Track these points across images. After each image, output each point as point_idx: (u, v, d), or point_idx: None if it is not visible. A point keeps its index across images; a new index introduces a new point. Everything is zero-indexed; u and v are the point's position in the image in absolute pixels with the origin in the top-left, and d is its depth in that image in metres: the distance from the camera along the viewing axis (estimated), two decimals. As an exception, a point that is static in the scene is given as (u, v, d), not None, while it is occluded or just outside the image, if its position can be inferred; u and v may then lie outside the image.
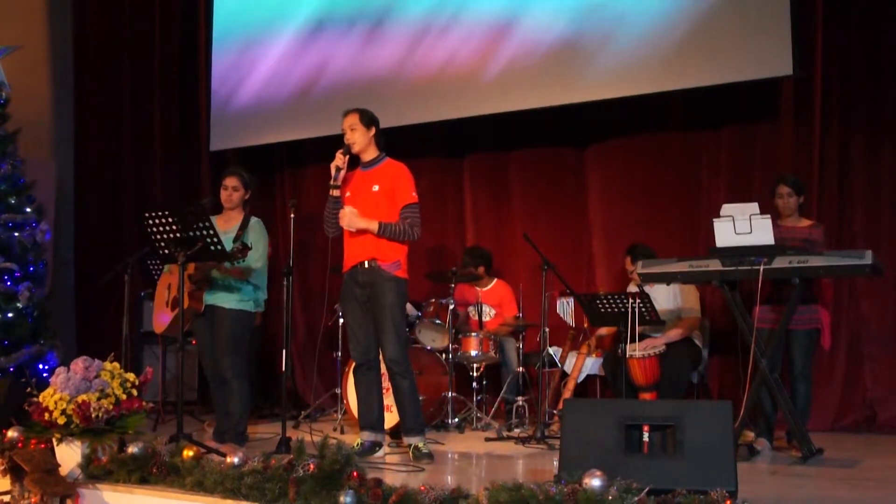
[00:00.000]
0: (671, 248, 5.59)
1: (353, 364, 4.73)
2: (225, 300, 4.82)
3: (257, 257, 4.81)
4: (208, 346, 4.85)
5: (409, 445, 4.51)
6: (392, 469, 4.21)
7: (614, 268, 6.33)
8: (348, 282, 4.62)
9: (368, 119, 4.61)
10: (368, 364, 4.61)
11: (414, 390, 4.57)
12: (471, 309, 6.37)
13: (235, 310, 4.82)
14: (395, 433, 5.26)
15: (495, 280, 6.43)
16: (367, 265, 4.52)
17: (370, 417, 4.61)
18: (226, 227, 4.87)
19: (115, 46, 8.32)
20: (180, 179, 8.03)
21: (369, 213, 4.51)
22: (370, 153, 4.64)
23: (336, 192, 4.60)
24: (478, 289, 6.39)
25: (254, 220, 4.97)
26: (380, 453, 4.56)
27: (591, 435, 3.35)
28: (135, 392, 4.03)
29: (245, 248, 4.48)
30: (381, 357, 4.66)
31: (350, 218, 4.47)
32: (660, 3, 5.87)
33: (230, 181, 4.99)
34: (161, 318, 4.99)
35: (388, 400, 5.01)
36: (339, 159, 4.54)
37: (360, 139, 4.58)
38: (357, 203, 4.55)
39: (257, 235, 4.88)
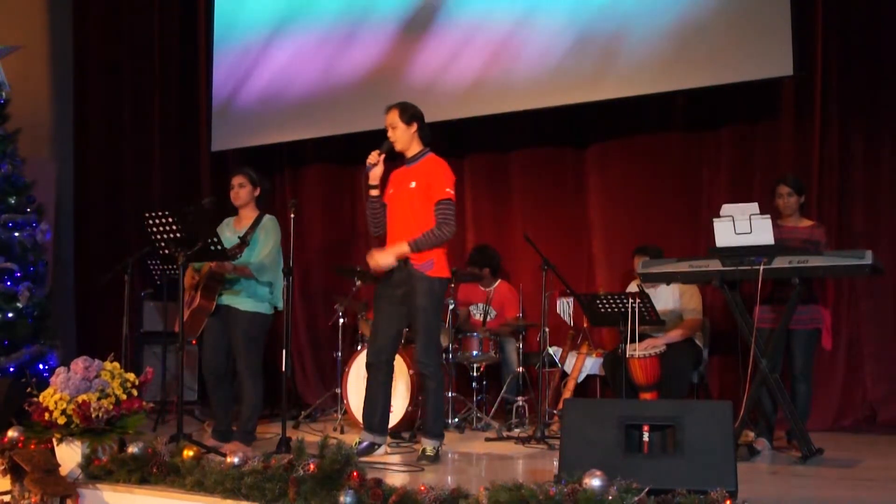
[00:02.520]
0: (671, 248, 5.59)
1: (364, 363, 4.67)
2: (240, 302, 4.81)
3: (266, 252, 4.80)
4: (215, 344, 4.84)
5: (423, 448, 4.46)
6: (392, 469, 4.21)
7: (614, 268, 6.33)
8: (384, 281, 4.55)
9: (410, 115, 4.51)
10: (378, 365, 4.53)
11: (439, 394, 4.48)
12: (472, 308, 6.37)
13: (251, 312, 4.80)
14: (395, 433, 5.26)
15: (499, 281, 6.43)
16: (401, 265, 4.45)
17: (372, 419, 4.55)
18: (240, 227, 4.88)
19: (115, 46, 8.32)
20: (180, 179, 8.03)
21: (405, 211, 4.46)
22: (413, 149, 4.54)
23: (373, 192, 4.54)
24: (483, 288, 6.38)
25: (267, 217, 4.94)
26: (379, 451, 4.52)
27: (591, 435, 3.34)
28: (135, 392, 4.03)
29: (242, 245, 4.47)
30: (392, 360, 4.60)
31: (377, 260, 4.40)
32: (660, 4, 5.87)
33: (236, 179, 4.97)
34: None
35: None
36: (373, 157, 4.47)
37: (401, 136, 4.50)
38: (396, 200, 4.51)
39: (268, 232, 4.86)
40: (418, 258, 4.41)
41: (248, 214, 4.96)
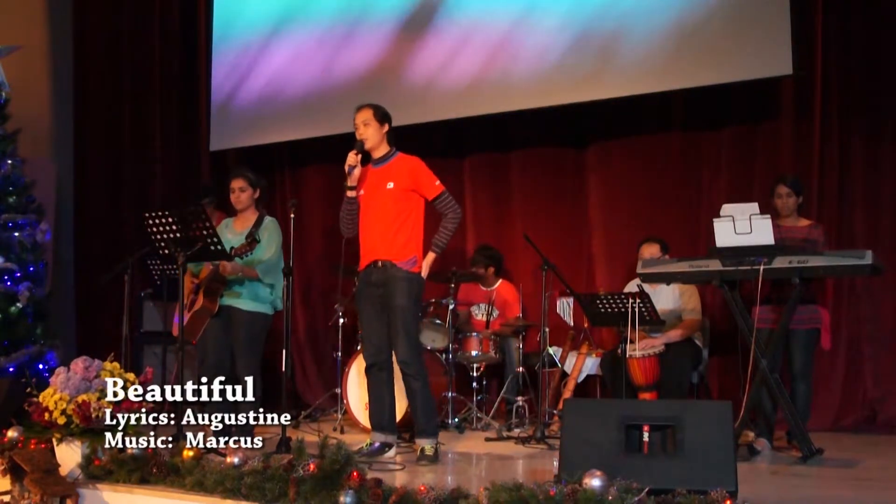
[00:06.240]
0: (671, 248, 5.59)
1: (364, 364, 4.66)
2: (241, 302, 4.83)
3: (271, 253, 4.82)
4: (218, 344, 4.84)
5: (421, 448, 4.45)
6: (392, 469, 4.20)
7: (614, 268, 6.33)
8: (362, 281, 4.56)
9: (382, 115, 4.55)
10: (379, 365, 4.52)
11: (426, 392, 4.46)
12: (473, 308, 6.36)
13: (252, 312, 4.84)
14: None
15: (500, 280, 6.42)
16: (380, 264, 4.46)
17: (380, 418, 4.53)
18: (241, 228, 4.88)
19: (115, 46, 8.32)
20: (180, 179, 8.02)
21: (383, 211, 4.46)
22: (382, 149, 4.57)
23: (352, 193, 4.55)
24: (485, 288, 6.37)
25: (268, 219, 4.97)
26: (390, 453, 4.50)
27: (591, 435, 3.34)
28: (136, 392, 4.02)
29: (253, 242, 4.47)
30: (394, 358, 4.59)
31: (428, 268, 4.50)
32: (660, 3, 5.87)
33: (236, 183, 4.99)
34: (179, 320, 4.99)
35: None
36: (352, 158, 4.47)
37: (372, 135, 4.51)
38: (372, 202, 4.50)
39: (271, 233, 4.88)
40: (401, 256, 4.43)
41: (249, 216, 4.97)
